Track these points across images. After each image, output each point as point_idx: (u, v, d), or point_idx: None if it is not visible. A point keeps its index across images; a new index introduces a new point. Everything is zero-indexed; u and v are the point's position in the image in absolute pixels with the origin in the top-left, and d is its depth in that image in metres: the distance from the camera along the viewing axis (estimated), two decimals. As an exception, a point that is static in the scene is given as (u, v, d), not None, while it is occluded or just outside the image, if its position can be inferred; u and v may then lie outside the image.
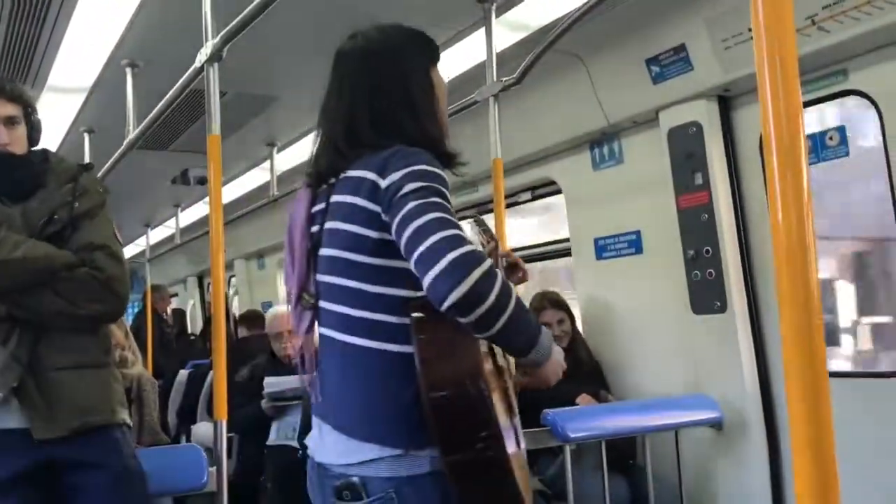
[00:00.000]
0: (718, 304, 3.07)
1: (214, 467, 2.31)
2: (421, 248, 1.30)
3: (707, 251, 3.09)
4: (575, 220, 3.87)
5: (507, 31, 2.99)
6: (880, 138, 2.63)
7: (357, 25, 1.65)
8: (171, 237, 7.20)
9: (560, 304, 3.67)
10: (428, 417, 1.32)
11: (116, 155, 3.48)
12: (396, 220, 1.36)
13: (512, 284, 1.36)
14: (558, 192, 4.00)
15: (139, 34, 2.98)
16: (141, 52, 3.15)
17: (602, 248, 3.70)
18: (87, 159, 4.02)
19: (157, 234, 7.81)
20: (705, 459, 3.17)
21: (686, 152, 3.13)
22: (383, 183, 1.41)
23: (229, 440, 4.27)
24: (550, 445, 2.84)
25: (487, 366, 1.43)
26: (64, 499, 2.03)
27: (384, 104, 1.55)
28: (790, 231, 0.79)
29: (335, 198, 1.51)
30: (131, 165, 3.69)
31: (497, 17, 2.79)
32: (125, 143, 3.29)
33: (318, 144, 1.62)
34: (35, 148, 2.20)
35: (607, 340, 3.74)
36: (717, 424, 3.06)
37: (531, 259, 4.47)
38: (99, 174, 3.76)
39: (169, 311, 8.33)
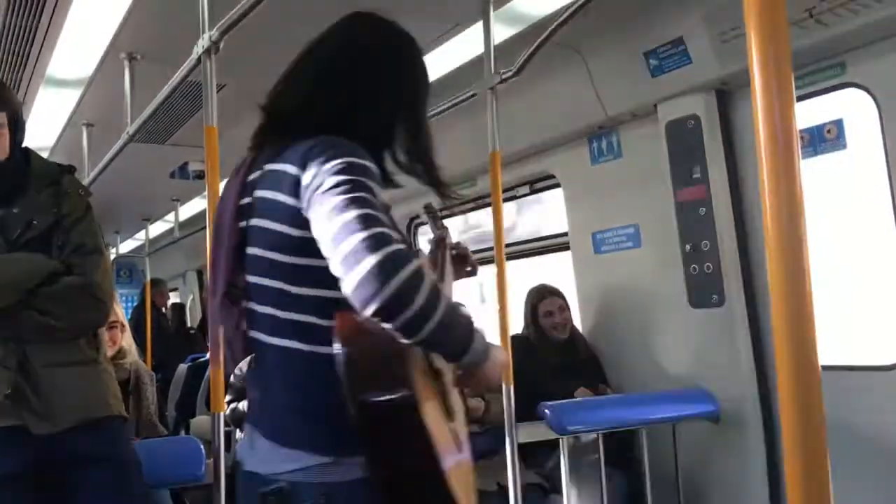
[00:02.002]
0: (716, 297, 3.08)
1: (212, 459, 2.32)
2: (341, 249, 1.20)
3: (705, 245, 3.10)
4: (573, 214, 3.87)
5: (506, 23, 2.98)
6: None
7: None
8: (171, 231, 7.19)
9: (560, 294, 3.71)
10: (359, 433, 1.23)
11: (115, 148, 3.47)
12: (317, 217, 1.27)
13: (445, 285, 1.29)
14: (557, 185, 4.00)
15: (137, 26, 2.97)
16: (139, 44, 3.14)
17: (600, 242, 3.70)
18: (85, 153, 4.02)
19: (157, 229, 7.80)
20: (703, 452, 3.18)
21: (684, 146, 3.13)
22: (305, 176, 1.32)
23: (227, 433, 4.28)
24: (548, 439, 2.84)
25: (420, 369, 1.33)
26: (62, 495, 2.04)
27: (342, 92, 1.46)
28: (782, 225, 0.79)
29: (258, 193, 1.42)
30: (130, 159, 3.68)
31: (495, 9, 2.78)
32: (123, 136, 3.29)
33: (259, 126, 1.54)
34: (20, 146, 2.13)
35: (605, 334, 3.75)
36: (714, 417, 3.07)
37: (531, 254, 4.47)
38: (98, 168, 3.77)
39: (168, 305, 8.34)
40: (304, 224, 1.31)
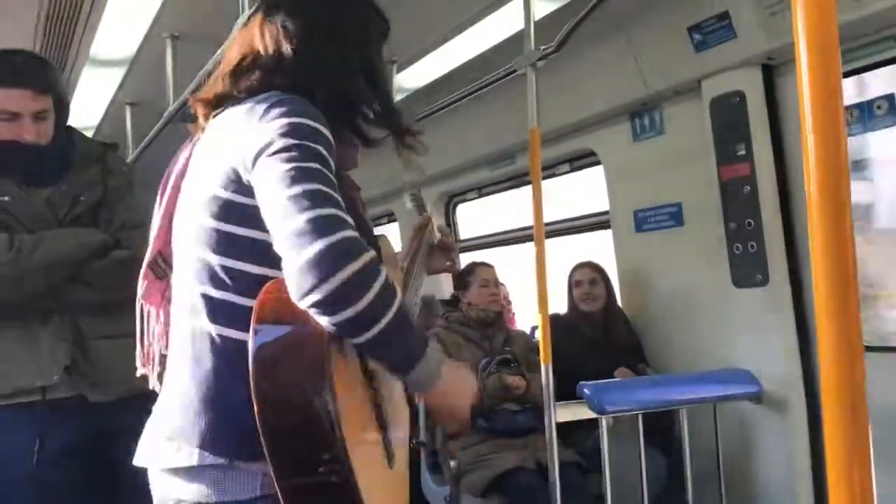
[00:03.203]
0: (760, 277, 3.03)
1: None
2: (286, 228, 1.06)
3: (749, 224, 3.04)
4: (614, 192, 3.83)
5: (546, -1, 2.95)
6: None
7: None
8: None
9: (598, 269, 3.70)
10: (260, 431, 1.06)
11: (157, 127, 3.51)
12: (262, 184, 1.13)
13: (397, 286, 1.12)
14: (597, 163, 3.96)
15: (178, 6, 3.00)
16: (180, 24, 3.17)
17: (642, 221, 3.66)
18: (129, 132, 4.08)
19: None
20: (744, 433, 3.15)
21: (728, 122, 3.07)
22: (248, 134, 1.17)
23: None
24: (587, 418, 2.83)
25: (351, 370, 1.18)
26: (111, 467, 2.09)
27: (310, 47, 1.31)
28: (827, 203, 0.77)
29: (197, 149, 1.30)
30: (172, 138, 3.72)
31: (536, -16, 2.74)
32: (165, 115, 3.33)
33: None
34: (63, 127, 2.16)
35: (646, 314, 3.72)
36: (756, 398, 3.03)
37: (571, 232, 4.44)
38: (140, 146, 3.82)
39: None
40: (238, 187, 1.18)
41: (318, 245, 1.03)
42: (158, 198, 1.38)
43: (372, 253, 1.08)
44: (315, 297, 1.03)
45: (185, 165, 1.34)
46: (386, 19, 1.45)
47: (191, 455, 1.16)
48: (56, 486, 1.99)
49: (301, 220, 1.05)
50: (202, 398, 1.18)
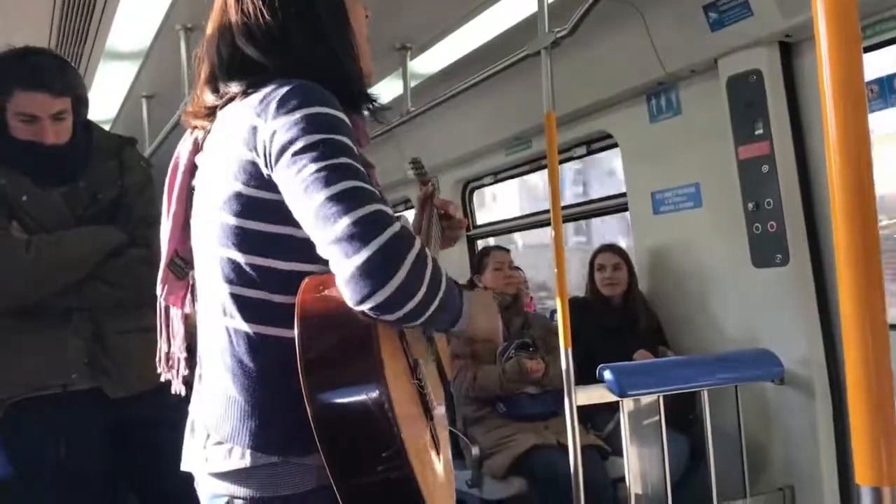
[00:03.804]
0: (780, 257, 3.00)
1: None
2: (330, 234, 1.04)
3: (768, 203, 3.01)
4: (632, 174, 3.81)
5: (560, -19, 2.92)
6: None
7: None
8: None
9: (622, 253, 3.69)
10: (315, 435, 1.04)
11: (173, 120, 3.53)
12: (290, 186, 1.09)
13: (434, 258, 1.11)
14: (614, 145, 3.93)
15: (191, -3, 3.00)
16: (194, 15, 3.17)
17: (660, 202, 3.63)
18: (145, 125, 4.10)
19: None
20: (766, 414, 3.13)
21: (746, 101, 3.04)
22: (265, 127, 1.12)
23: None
24: (607, 401, 2.83)
25: (398, 359, 1.16)
26: (134, 454, 2.12)
27: (275, 19, 1.22)
28: (848, 181, 0.76)
29: (208, 143, 1.25)
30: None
31: (548, -34, 2.72)
32: (181, 107, 3.34)
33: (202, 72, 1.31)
34: (82, 123, 2.16)
35: (666, 296, 3.70)
36: (778, 379, 3.01)
37: (589, 216, 4.42)
38: (158, 139, 3.84)
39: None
40: (259, 182, 1.14)
41: (367, 251, 1.02)
42: (166, 197, 1.34)
43: (418, 242, 1.07)
44: (372, 303, 1.04)
45: (192, 162, 1.30)
46: None
47: (243, 457, 1.15)
48: (78, 476, 2.02)
49: (343, 224, 1.04)
50: (249, 399, 1.16)
